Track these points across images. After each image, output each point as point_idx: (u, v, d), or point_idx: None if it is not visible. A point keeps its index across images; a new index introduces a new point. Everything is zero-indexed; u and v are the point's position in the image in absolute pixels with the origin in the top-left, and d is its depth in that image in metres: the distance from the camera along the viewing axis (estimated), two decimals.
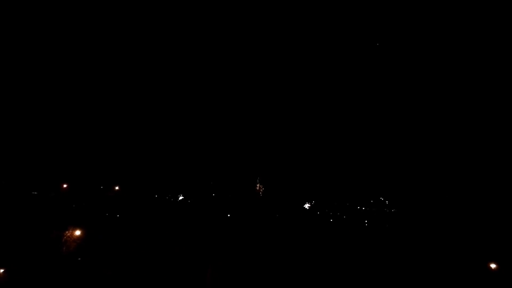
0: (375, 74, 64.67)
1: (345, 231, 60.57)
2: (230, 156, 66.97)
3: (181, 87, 64.39)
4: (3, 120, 53.91)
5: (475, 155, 63.37)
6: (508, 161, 60.47)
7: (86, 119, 59.26)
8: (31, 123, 56.10)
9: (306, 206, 71.33)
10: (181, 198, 63.44)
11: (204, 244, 49.77)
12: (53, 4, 54.77)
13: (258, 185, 69.34)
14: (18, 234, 43.76)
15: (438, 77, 63.48)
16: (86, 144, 58.24)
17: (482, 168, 62.31)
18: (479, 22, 57.95)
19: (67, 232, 45.12)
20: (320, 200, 71.25)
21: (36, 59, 56.06)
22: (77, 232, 45.22)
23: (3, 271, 38.78)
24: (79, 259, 44.36)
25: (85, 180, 56.57)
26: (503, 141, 60.23)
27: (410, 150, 67.33)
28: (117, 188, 58.31)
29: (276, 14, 63.00)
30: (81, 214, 51.40)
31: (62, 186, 54.91)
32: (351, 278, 45.58)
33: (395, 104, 66.20)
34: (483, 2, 56.97)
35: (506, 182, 59.68)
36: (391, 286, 44.80)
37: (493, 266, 44.57)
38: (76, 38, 57.43)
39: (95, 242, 45.81)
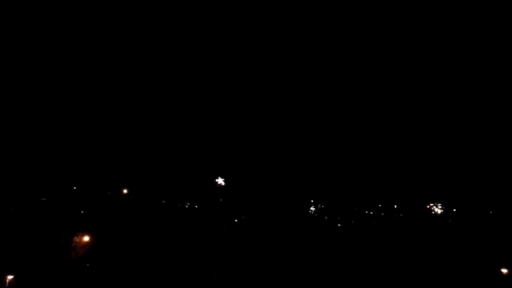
0: (385, 77, 64.38)
1: (352, 235, 60.16)
2: (237, 161, 66.96)
3: (191, 95, 64.69)
4: (12, 126, 54.42)
5: (484, 159, 62.71)
6: None
7: (94, 125, 59.65)
8: (39, 129, 56.56)
9: (312, 209, 71.05)
10: (188, 203, 63.53)
11: (210, 248, 49.73)
12: (53, 4, 55.00)
13: (265, 189, 69.25)
14: (27, 240, 44.00)
15: (447, 80, 63.03)
16: (93, 151, 58.58)
17: (491, 171, 61.62)
18: (479, 23, 57.53)
19: (75, 238, 45.32)
20: (327, 203, 70.89)
21: (45, 65, 56.59)
22: (86, 238, 45.41)
23: (12, 277, 38.98)
24: (88, 264, 44.48)
25: (93, 185, 56.81)
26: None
27: (419, 155, 66.85)
28: (125, 192, 58.54)
29: (278, 14, 62.95)
30: (90, 220, 51.60)
31: (70, 192, 55.23)
32: (357, 281, 45.26)
33: (406, 109, 65.82)
34: (484, 2, 56.60)
35: None
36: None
37: (504, 271, 43.99)
38: (79, 39, 57.71)
39: (104, 248, 45.90)
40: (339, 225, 66.84)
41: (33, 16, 54.59)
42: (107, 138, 60.32)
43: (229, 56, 66.26)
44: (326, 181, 70.21)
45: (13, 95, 55.31)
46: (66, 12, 56.24)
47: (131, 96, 61.74)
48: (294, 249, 51.56)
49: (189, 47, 64.46)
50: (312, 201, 71.02)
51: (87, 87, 59.61)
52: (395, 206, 69.66)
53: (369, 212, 70.06)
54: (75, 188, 56.34)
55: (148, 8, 60.19)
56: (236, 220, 62.47)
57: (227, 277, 44.08)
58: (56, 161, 56.76)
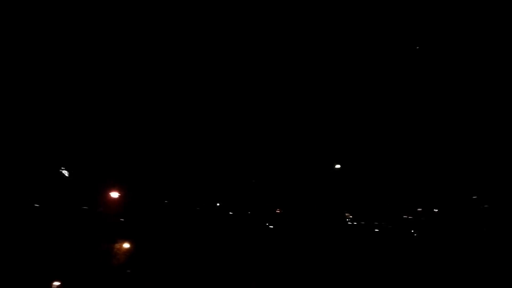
0: (409, 80, 62.38)
1: (391, 245, 58.55)
2: (260, 168, 66.78)
3: (203, 103, 64.98)
4: (46, 137, 56.55)
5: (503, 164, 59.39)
6: None
7: (128, 132, 61.14)
8: (77, 137, 58.54)
9: (346, 215, 69.73)
10: (227, 211, 63.95)
11: (248, 258, 49.66)
12: (53, 4, 56.11)
13: (292, 196, 68.50)
14: (70, 247, 45.58)
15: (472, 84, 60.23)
16: (132, 158, 60.09)
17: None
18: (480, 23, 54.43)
19: (116, 244, 46.55)
20: (360, 210, 69.42)
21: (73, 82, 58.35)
22: (127, 245, 46.56)
23: (59, 284, 40.56)
24: (128, 271, 45.53)
25: (133, 193, 58.21)
26: None
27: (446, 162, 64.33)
28: (164, 199, 59.61)
29: (283, 15, 62.17)
30: (130, 227, 52.86)
31: (110, 199, 56.85)
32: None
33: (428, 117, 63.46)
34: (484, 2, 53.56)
35: None
36: None
37: None
38: (90, 44, 58.80)
39: (145, 255, 46.87)
40: (376, 230, 65.38)
41: (33, 16, 56.20)
42: (143, 144, 61.69)
43: (250, 56, 66.12)
44: (359, 185, 68.97)
45: (52, 102, 57.42)
46: (66, 11, 57.46)
47: (165, 108, 62.92)
48: (336, 260, 50.69)
49: (209, 47, 64.82)
50: (345, 211, 69.84)
51: (112, 99, 61.02)
52: (435, 210, 67.46)
53: (408, 217, 68.25)
54: (114, 195, 57.95)
55: (148, 8, 60.68)
56: (271, 227, 62.19)
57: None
58: (96, 170, 58.67)
